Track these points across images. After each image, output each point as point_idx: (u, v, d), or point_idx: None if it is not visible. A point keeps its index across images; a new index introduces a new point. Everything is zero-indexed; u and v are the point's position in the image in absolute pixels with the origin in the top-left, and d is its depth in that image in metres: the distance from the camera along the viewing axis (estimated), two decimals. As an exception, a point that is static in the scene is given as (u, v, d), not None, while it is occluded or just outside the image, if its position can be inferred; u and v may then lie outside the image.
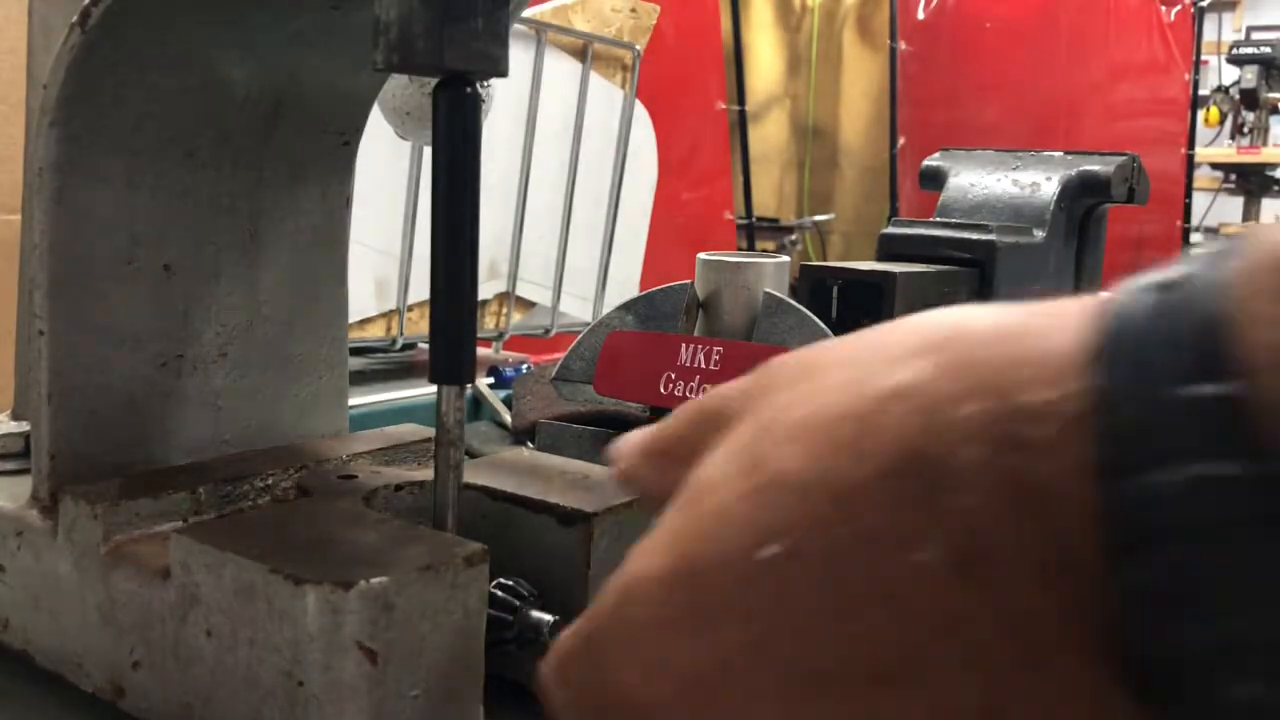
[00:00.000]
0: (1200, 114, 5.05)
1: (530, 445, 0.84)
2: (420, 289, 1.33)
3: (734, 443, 0.32)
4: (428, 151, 0.52)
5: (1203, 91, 5.13)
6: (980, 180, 1.04)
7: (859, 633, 0.28)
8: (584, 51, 1.47)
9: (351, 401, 0.72)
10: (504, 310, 1.49)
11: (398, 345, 1.40)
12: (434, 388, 0.50)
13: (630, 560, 0.33)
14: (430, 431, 0.65)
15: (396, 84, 0.85)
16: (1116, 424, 0.25)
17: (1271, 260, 0.25)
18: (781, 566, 0.29)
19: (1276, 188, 5.64)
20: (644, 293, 0.76)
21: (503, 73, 0.47)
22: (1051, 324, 0.27)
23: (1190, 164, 4.92)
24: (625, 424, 0.83)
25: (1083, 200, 1.01)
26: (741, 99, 4.26)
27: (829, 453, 0.29)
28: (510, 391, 1.04)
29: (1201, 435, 0.23)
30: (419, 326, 1.37)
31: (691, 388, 0.71)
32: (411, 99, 0.85)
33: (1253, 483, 0.23)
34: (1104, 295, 0.27)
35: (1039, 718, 0.26)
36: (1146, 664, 0.24)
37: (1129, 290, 0.27)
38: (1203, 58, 5.05)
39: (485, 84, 0.83)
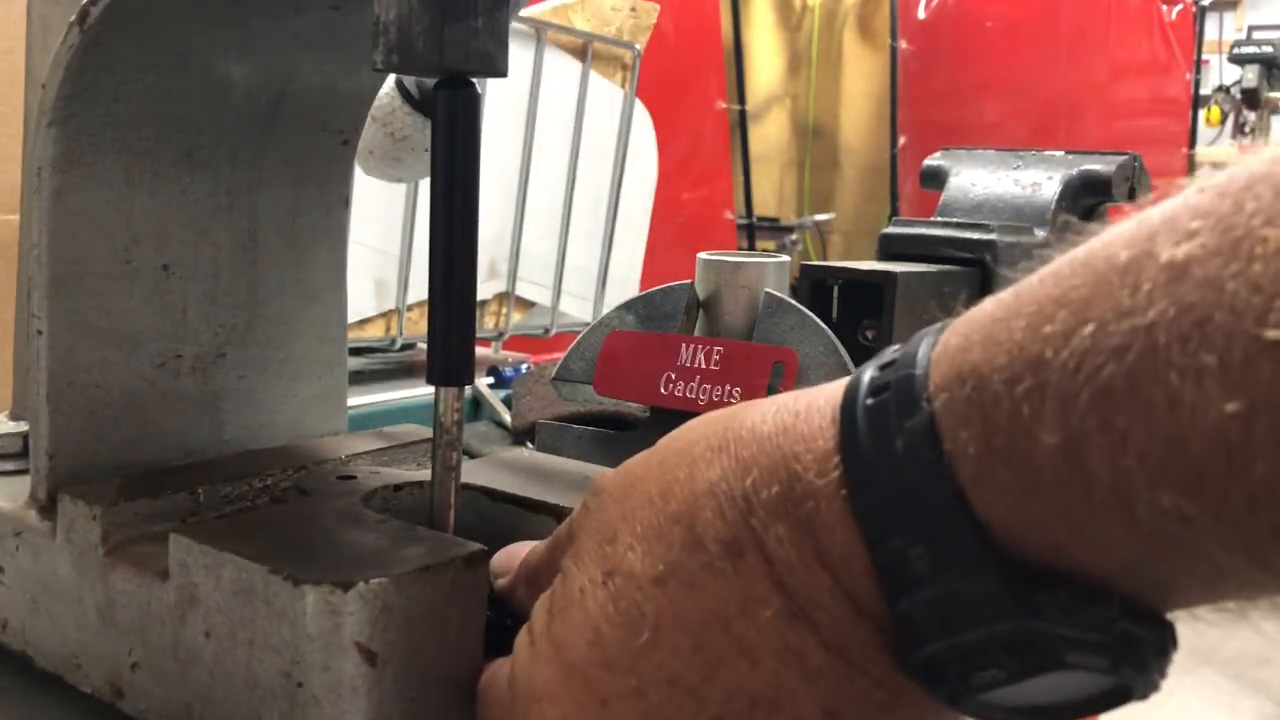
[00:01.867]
0: (1201, 113, 5.05)
1: (530, 445, 0.84)
2: (419, 289, 1.33)
3: (584, 556, 0.39)
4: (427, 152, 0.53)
5: (1204, 91, 5.13)
6: (981, 179, 1.04)
7: (729, 683, 0.35)
8: (584, 51, 1.47)
9: (351, 401, 0.72)
10: (504, 310, 1.49)
11: (397, 345, 1.40)
12: (433, 387, 0.50)
13: (521, 669, 0.40)
14: (430, 431, 0.65)
15: None
16: (865, 502, 0.33)
17: (959, 329, 0.33)
18: (653, 650, 0.36)
19: (1277, 187, 5.63)
20: (644, 293, 0.76)
21: (502, 72, 0.47)
22: (812, 416, 0.35)
23: (1191, 164, 4.92)
24: (625, 424, 0.83)
25: (1084, 200, 1.01)
26: (741, 99, 4.26)
27: (667, 549, 0.36)
28: (510, 391, 1.03)
29: (917, 484, 0.32)
30: (418, 326, 1.37)
31: (691, 388, 0.71)
32: (374, 138, 0.82)
33: (951, 530, 0.31)
34: (848, 378, 0.35)
35: (865, 713, 0.34)
36: (922, 664, 0.33)
37: (863, 371, 0.35)
38: (1204, 57, 5.05)
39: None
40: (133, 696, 0.53)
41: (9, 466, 0.64)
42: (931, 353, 0.33)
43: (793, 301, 0.73)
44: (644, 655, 0.36)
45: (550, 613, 0.39)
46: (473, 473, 0.54)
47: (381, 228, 1.31)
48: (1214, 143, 5.49)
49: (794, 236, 4.90)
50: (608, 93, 1.53)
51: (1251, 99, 5.27)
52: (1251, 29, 6.16)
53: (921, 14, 4.69)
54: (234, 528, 0.52)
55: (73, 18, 0.53)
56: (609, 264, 1.58)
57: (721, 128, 3.95)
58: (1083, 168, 1.00)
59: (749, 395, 0.69)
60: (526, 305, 1.53)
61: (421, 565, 0.45)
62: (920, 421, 0.32)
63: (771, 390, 0.69)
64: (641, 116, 1.61)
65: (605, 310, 0.97)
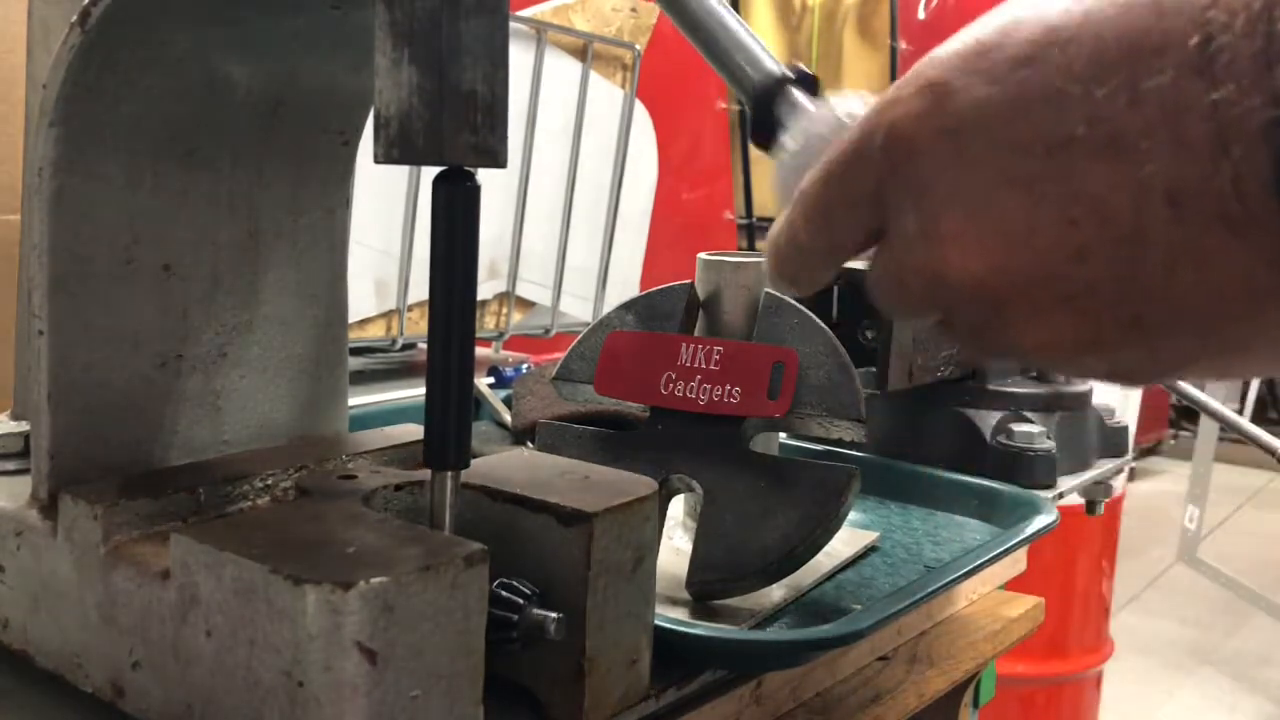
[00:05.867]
0: (1200, 114, 5.04)
1: (530, 445, 0.84)
2: (420, 289, 1.33)
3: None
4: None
5: (1203, 91, 5.13)
6: (980, 180, 1.04)
7: (1102, 110, 0.34)
8: (584, 51, 1.47)
9: (351, 401, 0.72)
10: (504, 310, 1.49)
11: (397, 345, 1.40)
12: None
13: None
14: (430, 431, 0.65)
15: None
16: None
17: None
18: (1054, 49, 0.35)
19: (1277, 187, 5.64)
20: (644, 293, 0.76)
21: (501, 165, 0.47)
22: None
23: (1190, 164, 4.91)
24: (625, 424, 0.83)
25: (1083, 200, 1.01)
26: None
27: None
28: (510, 391, 1.04)
29: None
30: (419, 326, 1.37)
31: (691, 388, 0.71)
32: None
33: None
34: None
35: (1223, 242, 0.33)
36: None
37: None
38: (1203, 57, 5.05)
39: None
40: (133, 696, 0.53)
41: (10, 466, 0.64)
42: None
43: (793, 301, 0.73)
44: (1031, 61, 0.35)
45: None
46: (473, 472, 0.54)
47: (382, 228, 1.31)
48: (1214, 143, 5.48)
49: (794, 237, 4.89)
50: (608, 93, 1.53)
51: (1251, 99, 5.26)
52: (1251, 29, 6.15)
53: (921, 14, 4.70)
54: (235, 527, 0.52)
55: (73, 18, 0.53)
56: (609, 264, 1.58)
57: (721, 128, 3.95)
58: (1082, 168, 1.00)
59: (749, 395, 0.69)
60: (527, 305, 1.53)
61: (422, 565, 0.45)
62: None
63: (772, 390, 0.69)
64: (641, 116, 1.61)
65: (605, 310, 0.97)
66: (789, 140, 0.59)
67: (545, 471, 0.57)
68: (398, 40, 0.45)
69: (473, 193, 0.48)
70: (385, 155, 0.46)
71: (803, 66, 0.63)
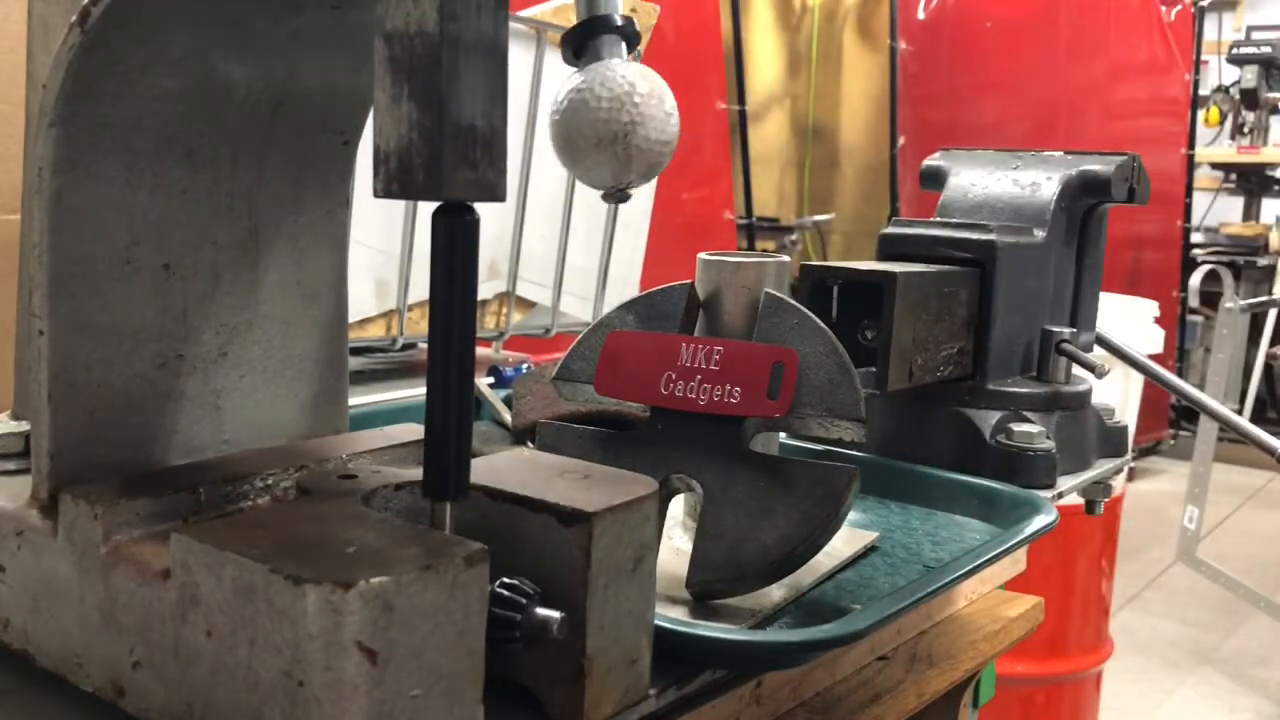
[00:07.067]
0: (1200, 114, 5.05)
1: (530, 445, 0.84)
2: (420, 289, 1.33)
3: None
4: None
5: (1203, 91, 5.14)
6: (980, 180, 1.04)
7: None
8: (584, 51, 1.47)
9: (351, 401, 0.72)
10: (504, 310, 1.49)
11: (398, 345, 1.40)
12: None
13: None
14: (430, 431, 0.65)
15: None
16: None
17: None
18: None
19: (1276, 187, 5.64)
20: (644, 293, 0.76)
21: (500, 199, 0.47)
22: None
23: (1190, 164, 4.92)
24: (625, 424, 0.83)
25: (1083, 200, 1.01)
26: (741, 99, 4.26)
27: None
28: (510, 391, 1.03)
29: None
30: (419, 326, 1.37)
31: (691, 387, 0.71)
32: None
33: None
34: None
35: None
36: None
37: None
38: (1203, 57, 5.05)
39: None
40: (134, 696, 0.53)
41: (11, 466, 0.64)
42: None
43: (793, 301, 0.73)
44: None
45: None
46: (473, 472, 0.54)
47: (382, 228, 1.31)
48: (1213, 143, 5.49)
49: (794, 236, 4.90)
50: (608, 93, 1.53)
51: (1250, 99, 5.27)
52: (1250, 29, 6.16)
53: (921, 14, 4.70)
54: (235, 527, 0.52)
55: (73, 18, 0.53)
56: (609, 264, 1.58)
57: (721, 128, 3.95)
58: (1082, 168, 1.00)
59: (749, 395, 0.69)
60: (527, 305, 1.53)
61: (422, 565, 0.45)
62: None
63: (772, 390, 0.69)
64: (641, 117, 1.61)
65: (605, 310, 0.96)
66: (571, 81, 0.66)
67: (545, 471, 0.57)
68: (397, 76, 0.45)
69: (472, 226, 0.48)
70: (385, 190, 0.46)
71: (634, 19, 0.70)
